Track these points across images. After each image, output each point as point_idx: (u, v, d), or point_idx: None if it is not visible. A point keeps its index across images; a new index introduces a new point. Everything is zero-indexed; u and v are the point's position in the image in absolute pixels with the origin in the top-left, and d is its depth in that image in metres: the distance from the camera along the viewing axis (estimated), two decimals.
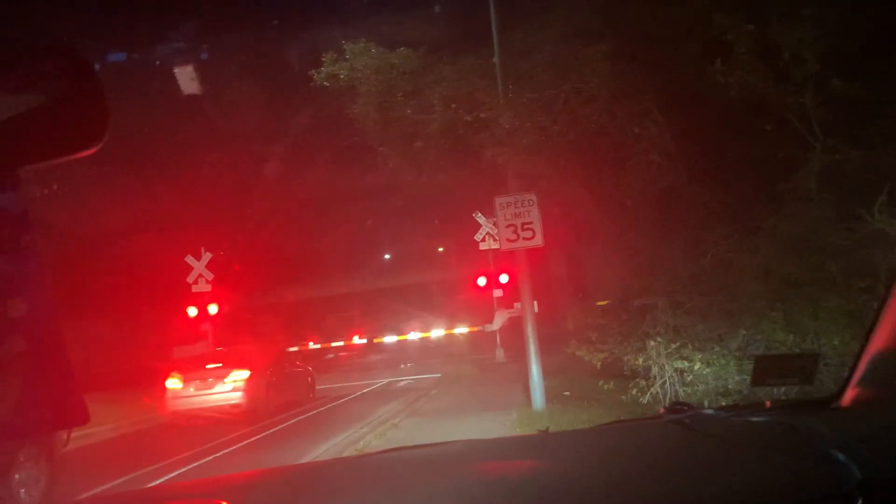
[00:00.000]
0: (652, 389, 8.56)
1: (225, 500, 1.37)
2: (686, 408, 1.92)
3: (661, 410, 1.99)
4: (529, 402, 10.81)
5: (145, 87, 13.90)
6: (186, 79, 11.12)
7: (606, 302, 10.77)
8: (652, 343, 8.69)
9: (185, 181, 19.41)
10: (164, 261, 18.30)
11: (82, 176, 15.56)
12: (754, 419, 1.80)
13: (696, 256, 8.95)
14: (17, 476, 7.44)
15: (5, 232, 1.10)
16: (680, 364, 8.47)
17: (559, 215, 11.48)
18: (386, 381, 20.59)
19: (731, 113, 8.73)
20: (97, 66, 1.15)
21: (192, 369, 14.59)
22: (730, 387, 8.07)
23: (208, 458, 9.85)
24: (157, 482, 7.99)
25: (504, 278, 17.02)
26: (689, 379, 8.42)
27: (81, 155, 1.05)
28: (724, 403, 6.96)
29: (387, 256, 30.64)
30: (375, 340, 25.62)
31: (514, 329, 16.70)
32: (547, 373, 11.03)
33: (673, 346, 8.54)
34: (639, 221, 10.07)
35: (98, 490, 7.54)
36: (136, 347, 18.00)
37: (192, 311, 18.14)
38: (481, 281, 18.54)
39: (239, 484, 1.93)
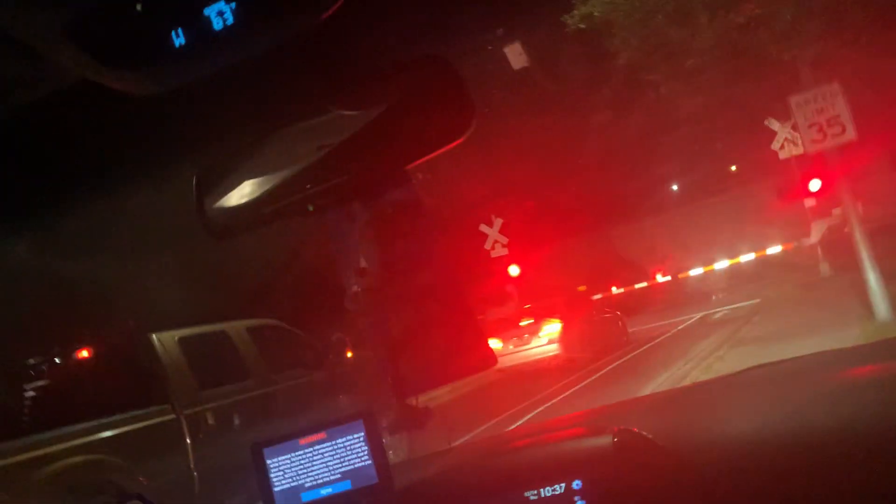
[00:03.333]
0: None
1: (615, 426, 1.49)
2: None
3: None
4: (871, 315, 9.71)
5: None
6: (511, 55, 11.94)
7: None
8: None
9: (488, 150, 20.48)
10: (474, 229, 19.46)
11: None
12: None
13: None
14: (385, 440, 8.66)
15: (407, 219, 1.34)
16: None
17: (872, 99, 10.03)
18: (699, 315, 19.85)
19: None
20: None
21: (508, 328, 15.57)
22: None
23: (546, 405, 10.43)
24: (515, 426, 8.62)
25: (815, 185, 15.18)
26: None
27: (453, 145, 1.24)
28: None
29: (674, 188, 29.22)
30: (680, 276, 24.77)
31: (838, 238, 15.01)
32: (888, 277, 9.79)
33: None
34: None
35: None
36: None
37: (515, 270, 18.99)
38: (814, 185, 15.66)
39: (614, 412, 2.07)
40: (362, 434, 1.61)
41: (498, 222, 19.35)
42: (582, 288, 23.79)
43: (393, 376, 1.36)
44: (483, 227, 19.35)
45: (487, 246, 19.35)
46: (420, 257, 1.35)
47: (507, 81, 18.01)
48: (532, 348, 14.98)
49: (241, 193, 1.27)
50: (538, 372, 14.33)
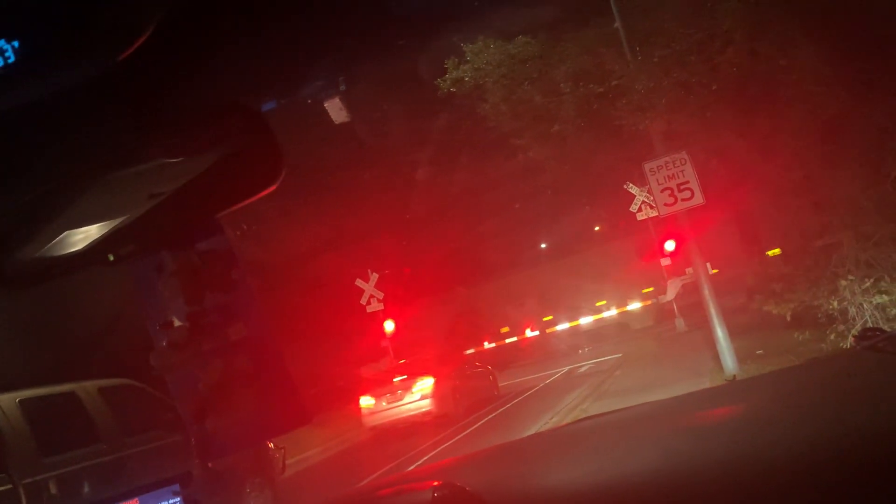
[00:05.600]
0: (853, 332, 7.93)
1: (437, 480, 1.49)
2: (878, 332, 1.81)
3: (852, 339, 1.90)
4: (720, 368, 10.37)
5: (295, 125, 14.85)
6: (332, 110, 11.83)
7: (778, 251, 10.11)
8: (843, 283, 8.05)
9: (345, 203, 20.42)
10: (339, 282, 19.28)
11: (260, 213, 16.91)
12: None
13: (876, 182, 8.19)
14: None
15: (218, 270, 1.30)
16: (879, 300, 7.79)
17: (717, 168, 10.92)
18: (566, 368, 20.49)
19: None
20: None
21: (381, 384, 15.38)
22: None
23: (416, 465, 10.30)
24: None
25: (670, 245, 16.20)
26: (893, 313, 7.72)
27: (263, 194, 1.23)
28: None
29: (543, 246, 30.39)
30: (548, 331, 25.56)
31: (692, 294, 16.04)
32: (734, 334, 10.52)
33: (868, 281, 7.87)
34: (805, 158, 9.38)
35: None
36: (324, 368, 19.06)
37: (390, 326, 18.94)
38: (669, 245, 16.98)
39: (448, 466, 2.07)
40: (178, 500, 1.51)
41: (374, 277, 19.25)
42: (459, 344, 24.06)
43: (198, 437, 1.29)
44: (359, 282, 19.19)
45: (363, 301, 19.18)
46: (232, 311, 1.31)
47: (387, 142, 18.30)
48: (405, 405, 14.82)
49: (35, 241, 1.20)
50: (411, 429, 14.18)
